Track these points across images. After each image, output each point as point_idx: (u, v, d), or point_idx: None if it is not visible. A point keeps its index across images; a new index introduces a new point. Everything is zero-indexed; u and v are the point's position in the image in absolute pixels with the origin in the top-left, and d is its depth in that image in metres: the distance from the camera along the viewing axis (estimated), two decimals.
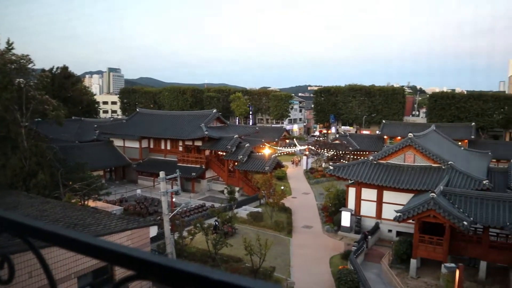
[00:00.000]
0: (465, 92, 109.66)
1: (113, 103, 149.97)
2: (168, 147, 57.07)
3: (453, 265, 20.64)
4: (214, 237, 28.93)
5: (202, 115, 57.32)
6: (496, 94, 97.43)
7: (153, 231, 20.23)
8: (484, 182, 32.38)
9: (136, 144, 57.99)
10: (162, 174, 25.70)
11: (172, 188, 38.09)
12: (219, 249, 28.01)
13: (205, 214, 37.50)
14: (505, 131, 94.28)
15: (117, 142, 59.10)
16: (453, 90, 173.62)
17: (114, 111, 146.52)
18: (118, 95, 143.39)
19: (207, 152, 54.23)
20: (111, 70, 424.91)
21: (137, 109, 66.29)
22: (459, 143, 54.44)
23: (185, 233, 29.43)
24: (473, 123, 76.80)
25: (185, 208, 34.79)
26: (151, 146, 58.77)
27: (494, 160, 58.77)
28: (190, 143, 54.54)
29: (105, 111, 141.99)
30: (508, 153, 62.48)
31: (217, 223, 34.02)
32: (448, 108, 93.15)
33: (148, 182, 54.78)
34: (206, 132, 50.88)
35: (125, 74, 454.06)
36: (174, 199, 39.08)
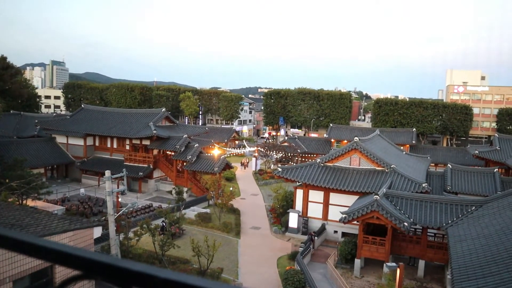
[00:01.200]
0: (408, 99, 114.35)
1: (56, 97, 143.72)
2: (115, 146, 55.43)
3: (394, 264, 21.45)
4: (161, 238, 28.38)
5: (151, 114, 56.17)
6: (435, 102, 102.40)
7: (97, 232, 19.57)
8: (424, 185, 33.91)
9: (80, 142, 55.88)
10: (108, 173, 24.92)
11: (118, 187, 37.07)
12: (166, 251, 27.55)
13: (152, 215, 36.74)
14: (443, 137, 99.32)
15: (60, 139, 56.66)
16: (397, 96, 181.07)
17: (57, 107, 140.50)
18: (61, 90, 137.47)
19: (155, 152, 53.21)
20: (54, 63, 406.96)
21: (82, 105, 63.89)
22: (401, 147, 56.74)
23: (131, 234, 28.65)
24: (414, 129, 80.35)
25: (131, 209, 33.87)
26: (97, 144, 56.85)
27: (433, 164, 61.76)
28: (137, 142, 53.28)
29: (47, 106, 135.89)
30: (445, 158, 65.91)
31: (164, 224, 33.43)
32: (392, 114, 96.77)
33: (93, 181, 52.95)
34: (154, 131, 49.89)
35: (70, 68, 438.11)
36: (120, 199, 38.06)
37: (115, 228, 25.16)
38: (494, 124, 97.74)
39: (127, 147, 54.36)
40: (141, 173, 49.55)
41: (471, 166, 49.86)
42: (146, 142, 52.48)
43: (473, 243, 22.43)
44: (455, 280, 18.67)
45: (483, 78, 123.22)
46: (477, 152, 56.25)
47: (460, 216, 27.77)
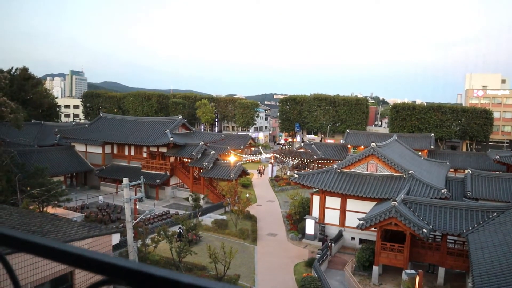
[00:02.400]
0: (425, 104, 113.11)
1: (75, 107, 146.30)
2: (132, 153, 56.05)
3: (413, 271, 21.15)
4: (178, 244, 28.51)
5: (168, 121, 56.66)
6: (454, 106, 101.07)
7: (116, 238, 19.78)
8: (443, 191, 33.43)
9: (99, 150, 56.65)
10: (125, 180, 25.18)
11: (135, 195, 37.43)
12: (183, 257, 27.66)
13: (169, 222, 36.94)
14: (462, 141, 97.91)
15: (79, 147, 57.54)
16: (414, 101, 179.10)
17: (76, 115, 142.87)
18: (80, 99, 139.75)
19: (172, 159, 53.60)
20: (73, 73, 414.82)
21: (101, 114, 64.82)
22: (419, 153, 56.09)
23: (148, 241, 28.86)
24: (432, 134, 79.31)
25: (148, 216, 34.14)
26: (115, 151, 57.56)
27: (452, 170, 60.83)
28: (154, 149, 53.78)
29: (67, 115, 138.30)
30: (464, 163, 64.88)
31: (181, 230, 33.56)
32: (409, 119, 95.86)
33: (111, 189, 53.56)
34: (171, 139, 50.29)
35: (89, 77, 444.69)
36: (137, 206, 38.43)
37: (132, 234, 25.38)
38: None
39: (144, 155, 54.89)
40: (158, 180, 49.92)
41: (492, 172, 48.97)
42: (163, 150, 52.91)
43: (495, 250, 21.99)
44: (477, 287, 18.32)
45: (503, 81, 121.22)
46: (498, 157, 55.21)
47: (481, 222, 27.26)
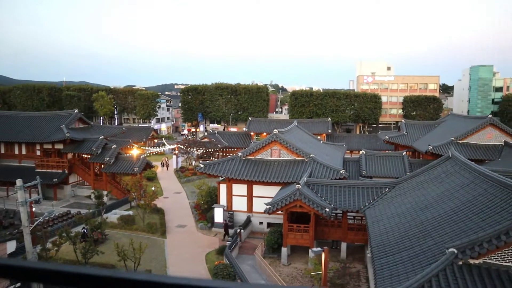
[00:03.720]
0: (322, 90, 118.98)
1: None
2: (24, 152, 51.70)
3: (319, 249, 22.37)
4: (82, 245, 27.16)
5: (63, 116, 53.06)
6: (347, 92, 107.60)
7: (11, 246, 18.37)
8: (341, 171, 35.70)
9: None
10: (19, 182, 23.28)
11: (30, 196, 34.81)
12: (89, 258, 26.42)
13: (71, 222, 34.95)
14: (356, 124, 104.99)
15: None
16: (311, 88, 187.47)
17: None
18: None
19: (69, 156, 50.55)
20: None
21: None
22: (318, 137, 59.06)
23: (49, 245, 27.06)
24: (329, 119, 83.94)
25: (47, 218, 31.94)
26: (2, 151, 52.63)
27: (348, 151, 65.04)
28: (49, 146, 50.20)
29: None
30: (359, 145, 69.75)
31: (85, 230, 31.95)
32: (307, 105, 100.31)
33: (1, 192, 49.06)
34: (67, 134, 47.30)
35: None
36: (33, 209, 35.75)
37: (30, 240, 23.61)
38: (400, 111, 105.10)
39: (38, 153, 51.02)
40: (56, 179, 46.85)
41: (382, 151, 53.29)
42: (59, 146, 49.66)
43: (389, 222, 24.11)
44: (375, 257, 19.99)
45: (389, 68, 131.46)
46: (387, 137, 60.31)
47: (375, 198, 29.66)
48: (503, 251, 15.88)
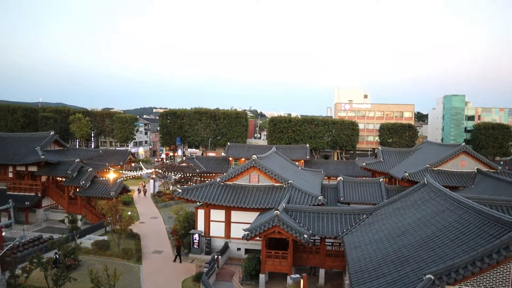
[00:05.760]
0: (300, 117, 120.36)
1: None
2: None
3: (297, 275, 22.24)
4: (54, 272, 26.29)
5: (38, 138, 52.01)
6: (325, 119, 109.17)
7: None
8: (319, 198, 35.82)
9: None
10: None
11: (0, 220, 33.78)
12: (61, 285, 25.55)
13: (43, 247, 33.92)
14: (333, 151, 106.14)
15: None
16: (290, 114, 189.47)
17: None
18: None
19: (43, 178, 49.38)
20: None
21: None
22: (297, 163, 59.43)
23: (19, 271, 26.10)
24: (307, 145, 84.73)
25: (17, 243, 30.92)
26: None
27: (326, 177, 65.53)
28: (23, 168, 49.00)
29: None
30: (337, 171, 70.43)
31: (57, 256, 31.01)
32: (286, 131, 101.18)
33: None
34: (42, 156, 46.34)
35: None
36: (3, 233, 34.61)
37: None
38: (377, 138, 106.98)
39: (10, 175, 49.71)
40: (28, 203, 45.61)
41: (360, 177, 53.82)
42: (33, 169, 48.53)
43: (367, 248, 24.16)
44: (353, 283, 19.93)
45: (365, 96, 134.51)
46: (364, 164, 61.01)
47: (353, 224, 29.76)
48: (478, 277, 16.08)
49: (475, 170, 45.15)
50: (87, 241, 38.16)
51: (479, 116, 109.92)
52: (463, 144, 48.12)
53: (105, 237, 40.14)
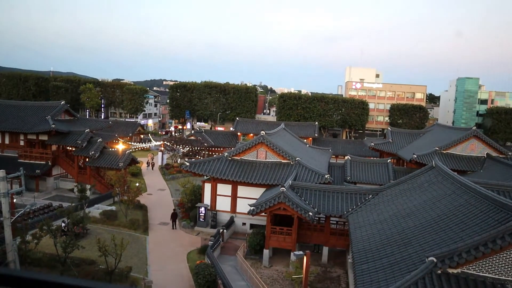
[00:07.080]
0: (310, 94, 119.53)
1: None
2: (7, 141, 50.91)
3: (301, 252, 22.46)
4: (63, 239, 26.86)
5: (49, 107, 52.40)
6: (335, 97, 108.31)
7: None
8: (326, 176, 35.92)
9: None
10: (1, 173, 22.93)
11: (11, 187, 34.37)
12: (70, 252, 26.13)
13: (52, 215, 34.49)
14: (342, 130, 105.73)
15: None
16: (300, 91, 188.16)
17: None
18: None
19: (54, 147, 49.95)
20: None
21: None
22: (305, 140, 59.36)
23: (29, 237, 26.71)
24: (316, 123, 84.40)
25: (28, 210, 31.51)
26: None
27: (334, 156, 65.47)
28: (34, 137, 49.57)
29: None
30: (344, 150, 70.21)
31: (66, 223, 31.62)
32: (295, 108, 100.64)
33: None
34: (53, 126, 46.77)
35: None
36: (15, 200, 35.25)
37: (11, 232, 23.29)
38: (387, 118, 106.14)
39: (22, 143, 50.34)
40: (39, 171, 46.29)
41: (367, 157, 53.73)
42: (44, 137, 49.06)
43: (371, 228, 24.35)
44: (356, 262, 20.18)
45: (377, 75, 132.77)
46: (372, 144, 60.80)
47: (359, 204, 29.92)
48: (480, 261, 16.18)
49: (485, 155, 44.85)
50: (95, 211, 38.80)
51: (492, 100, 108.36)
52: (474, 128, 47.67)
53: (113, 207, 40.77)
